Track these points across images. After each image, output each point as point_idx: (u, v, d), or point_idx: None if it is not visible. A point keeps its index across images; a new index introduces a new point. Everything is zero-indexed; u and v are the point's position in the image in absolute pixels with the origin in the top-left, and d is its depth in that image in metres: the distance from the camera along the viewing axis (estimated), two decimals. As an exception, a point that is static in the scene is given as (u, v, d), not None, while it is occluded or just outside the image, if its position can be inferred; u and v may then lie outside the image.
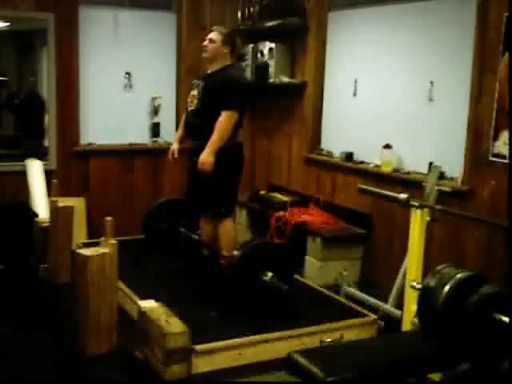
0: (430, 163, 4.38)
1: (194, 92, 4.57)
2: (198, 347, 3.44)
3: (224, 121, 4.35)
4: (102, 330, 3.68)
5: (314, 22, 5.60)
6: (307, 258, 5.03)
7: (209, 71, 4.59)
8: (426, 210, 3.66)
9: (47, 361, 3.66)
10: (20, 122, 6.96)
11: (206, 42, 4.56)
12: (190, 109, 4.60)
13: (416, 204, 3.65)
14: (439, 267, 2.48)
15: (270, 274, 3.99)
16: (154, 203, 5.41)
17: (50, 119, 5.88)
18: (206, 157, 4.35)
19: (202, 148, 4.39)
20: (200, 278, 4.65)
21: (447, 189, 4.12)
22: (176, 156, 4.81)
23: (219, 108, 4.36)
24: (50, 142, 5.90)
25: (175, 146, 4.83)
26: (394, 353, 2.77)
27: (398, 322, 3.84)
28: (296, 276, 4.74)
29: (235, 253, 4.10)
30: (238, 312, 3.98)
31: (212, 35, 4.54)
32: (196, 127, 4.54)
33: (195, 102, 4.54)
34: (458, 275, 2.42)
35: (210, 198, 4.57)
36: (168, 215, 5.22)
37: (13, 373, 3.50)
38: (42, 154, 5.94)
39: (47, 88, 5.89)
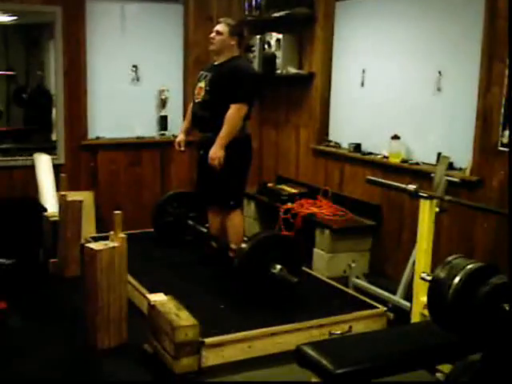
0: (439, 153, 4.35)
1: (202, 84, 4.56)
2: (208, 340, 3.45)
3: (233, 114, 4.34)
4: (111, 324, 3.69)
5: (321, 12, 5.57)
6: (315, 250, 5.02)
7: (216, 62, 4.58)
8: (434, 200, 3.64)
9: (58, 355, 3.68)
10: (28, 116, 6.97)
11: (213, 34, 4.54)
12: (197, 100, 4.59)
13: (425, 195, 3.64)
14: (449, 258, 2.47)
15: (278, 267, 3.98)
16: (163, 196, 5.42)
17: (57, 113, 5.89)
18: (216, 151, 4.34)
19: (210, 140, 4.38)
20: (209, 271, 4.66)
21: (456, 179, 4.10)
22: (182, 148, 4.81)
23: (227, 100, 4.35)
24: (58, 136, 5.90)
25: (181, 138, 4.83)
26: (404, 344, 2.77)
27: (407, 313, 3.83)
28: (304, 268, 4.74)
29: (243, 245, 4.10)
30: (248, 305, 3.99)
31: (219, 27, 4.53)
32: (203, 119, 4.53)
33: (202, 93, 4.52)
34: (468, 266, 2.41)
35: (218, 191, 4.57)
36: (176, 208, 5.22)
37: (24, 366, 3.52)
38: (50, 148, 5.95)
39: (55, 82, 5.89)
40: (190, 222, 5.11)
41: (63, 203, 4.87)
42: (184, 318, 3.42)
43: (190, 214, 5.18)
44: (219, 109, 4.35)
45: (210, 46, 4.60)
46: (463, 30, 4.31)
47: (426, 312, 3.38)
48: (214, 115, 4.38)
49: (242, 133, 4.48)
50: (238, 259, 4.08)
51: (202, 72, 4.68)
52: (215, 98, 4.44)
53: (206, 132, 4.49)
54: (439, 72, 4.50)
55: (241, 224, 4.71)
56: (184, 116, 6.26)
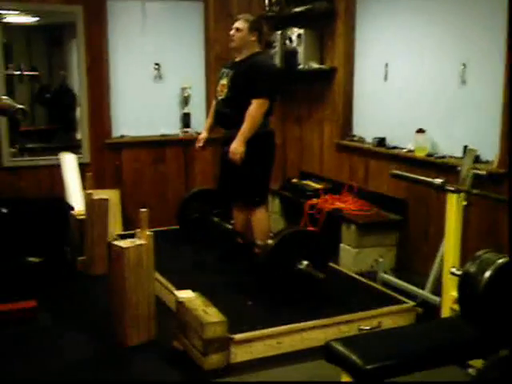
0: (465, 147, 4.31)
1: (224, 81, 4.56)
2: (236, 336, 3.46)
3: (255, 109, 4.34)
4: (140, 322, 3.72)
5: (342, 6, 5.54)
6: (342, 245, 5.01)
7: (237, 59, 4.58)
8: (462, 194, 3.61)
9: (87, 352, 3.72)
10: (52, 116, 7.03)
11: (232, 32, 4.54)
12: (219, 98, 4.60)
13: (452, 188, 3.61)
14: (479, 253, 2.46)
15: (305, 263, 3.98)
16: (187, 193, 5.44)
17: (81, 112, 5.93)
18: (237, 146, 4.35)
19: (233, 137, 4.39)
20: (235, 267, 4.66)
21: (483, 172, 4.05)
22: (202, 144, 4.82)
23: (249, 96, 4.35)
24: (82, 134, 5.95)
25: (204, 135, 4.84)
26: (434, 339, 2.75)
27: (436, 308, 3.81)
28: (331, 264, 4.74)
29: (269, 242, 4.10)
30: (275, 301, 3.99)
31: (238, 24, 4.53)
32: (227, 116, 4.53)
33: (225, 90, 4.53)
34: (499, 260, 2.40)
35: (242, 187, 4.57)
36: (201, 205, 5.24)
37: (53, 365, 3.56)
38: (75, 147, 6.00)
39: (78, 81, 5.94)
40: (215, 219, 5.13)
41: (89, 202, 4.91)
42: (212, 315, 3.43)
43: (214, 210, 5.20)
44: (242, 105, 4.36)
45: (230, 44, 4.60)
46: (487, 21, 4.26)
47: (455, 306, 3.37)
48: (237, 112, 4.38)
49: (265, 128, 4.48)
50: (263, 255, 4.08)
51: (223, 69, 4.69)
52: (237, 94, 4.44)
53: (230, 129, 4.49)
54: (463, 64, 4.45)
55: (266, 220, 4.71)
56: (207, 113, 6.30)
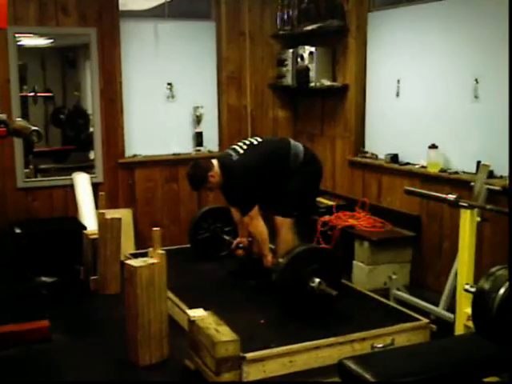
0: (478, 162, 4.29)
1: None
2: (249, 355, 3.43)
3: (250, 226, 4.48)
4: (152, 340, 3.71)
5: (353, 24, 5.56)
6: (355, 262, 4.97)
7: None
8: (475, 210, 3.58)
9: (99, 372, 3.71)
10: (66, 137, 7.09)
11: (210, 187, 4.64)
12: None
13: (465, 204, 3.58)
14: (493, 269, 2.43)
15: (317, 280, 3.95)
16: (198, 212, 5.44)
17: (95, 132, 5.97)
18: (266, 261, 4.51)
19: None
20: (247, 285, 4.64)
21: (497, 187, 4.03)
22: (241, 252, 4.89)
23: None
24: (95, 154, 5.98)
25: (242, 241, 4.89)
26: (449, 357, 2.72)
27: (450, 325, 3.77)
28: (345, 281, 4.70)
29: (280, 260, 4.08)
30: (288, 319, 3.96)
31: (206, 189, 4.73)
32: None
33: None
34: (513, 277, 2.36)
35: (285, 199, 4.57)
36: (212, 223, 5.24)
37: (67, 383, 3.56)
38: (88, 167, 6.04)
39: (91, 101, 5.98)
40: (226, 237, 5.13)
41: (102, 221, 4.93)
42: (224, 333, 3.41)
43: (225, 228, 5.20)
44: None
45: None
46: (499, 36, 4.25)
47: (470, 324, 3.32)
48: None
49: (298, 161, 4.51)
50: (275, 274, 4.06)
51: None
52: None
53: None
54: (476, 79, 4.44)
55: (291, 235, 4.66)
56: (219, 132, 6.35)
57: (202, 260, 5.21)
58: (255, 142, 4.61)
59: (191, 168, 4.59)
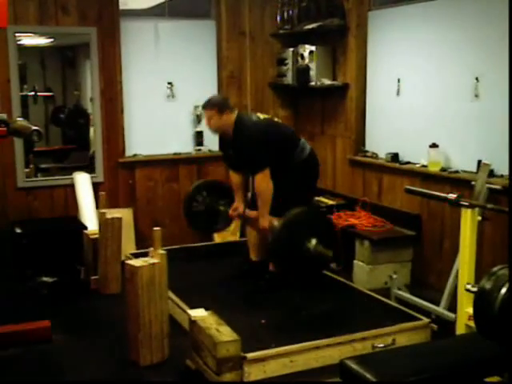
0: (479, 161, 4.29)
1: (230, 151, 4.65)
2: (250, 355, 3.43)
3: (258, 183, 4.41)
4: (153, 340, 3.71)
5: (353, 23, 5.56)
6: (356, 261, 4.97)
7: (227, 137, 4.58)
8: (476, 209, 3.58)
9: (100, 372, 3.71)
10: (66, 136, 7.07)
11: (206, 122, 4.60)
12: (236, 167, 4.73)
13: (466, 203, 3.57)
14: (494, 269, 2.42)
15: (314, 241, 3.95)
16: (192, 185, 5.37)
17: (95, 132, 5.97)
18: (263, 221, 4.39)
19: None
20: (248, 285, 4.64)
21: (498, 186, 4.02)
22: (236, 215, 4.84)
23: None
24: (96, 154, 5.98)
25: (239, 209, 4.80)
26: (450, 356, 2.72)
27: (451, 324, 3.77)
28: (345, 280, 4.71)
29: (275, 223, 4.09)
30: (289, 319, 3.96)
31: (207, 114, 4.55)
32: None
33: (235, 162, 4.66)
34: (514, 276, 2.36)
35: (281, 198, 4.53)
36: (207, 196, 5.18)
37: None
38: (89, 167, 6.04)
39: (92, 101, 5.98)
40: (222, 208, 5.11)
41: (103, 221, 4.93)
42: (225, 334, 3.40)
43: (220, 201, 5.14)
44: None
45: (210, 130, 4.67)
46: (499, 35, 4.24)
47: (471, 323, 3.32)
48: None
49: (302, 156, 4.53)
50: (271, 238, 4.05)
51: (223, 144, 4.74)
52: (247, 167, 4.58)
53: None
54: (476, 78, 4.44)
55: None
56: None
57: (199, 233, 5.23)
58: (276, 119, 4.81)
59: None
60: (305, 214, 4.21)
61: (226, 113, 4.47)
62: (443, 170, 4.68)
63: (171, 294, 4.20)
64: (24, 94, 6.09)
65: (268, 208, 4.40)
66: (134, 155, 6.11)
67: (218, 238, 6.09)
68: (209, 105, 4.54)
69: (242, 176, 4.76)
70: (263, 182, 4.39)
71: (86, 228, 5.23)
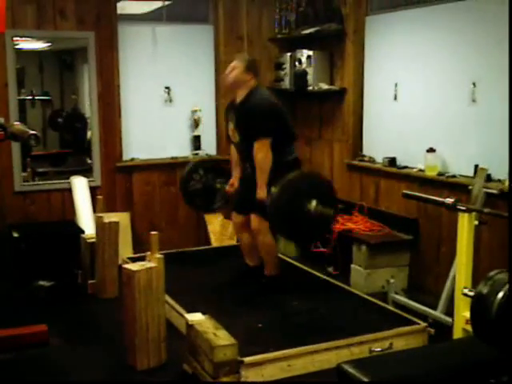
0: (476, 165, 4.29)
1: (231, 125, 4.62)
2: (247, 359, 3.43)
3: (257, 151, 4.38)
4: (150, 345, 3.70)
5: (351, 27, 5.57)
6: (353, 266, 4.98)
7: (238, 100, 4.56)
8: (473, 213, 3.58)
9: (97, 376, 3.70)
10: (64, 140, 7.07)
11: (228, 70, 4.55)
12: (234, 141, 4.67)
13: (463, 208, 3.59)
14: (491, 273, 2.43)
15: (314, 202, 3.96)
16: (189, 164, 5.39)
17: (93, 136, 5.97)
18: (261, 193, 4.37)
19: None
20: (245, 290, 4.64)
21: (495, 191, 4.03)
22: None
23: (254, 137, 4.41)
24: (93, 158, 5.98)
25: (235, 182, 4.85)
26: (447, 361, 2.72)
27: (448, 328, 3.77)
28: (342, 285, 4.71)
29: (273, 189, 4.11)
30: (286, 323, 3.96)
31: (234, 63, 4.54)
32: (246, 156, 4.57)
33: (236, 135, 4.59)
34: None
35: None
36: (204, 175, 5.21)
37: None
38: (86, 171, 6.03)
39: (89, 105, 5.98)
40: (219, 186, 5.12)
41: (100, 225, 4.92)
42: (222, 338, 3.40)
43: (217, 179, 5.17)
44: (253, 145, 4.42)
45: (224, 81, 4.63)
46: (496, 40, 4.26)
47: (468, 327, 3.33)
48: (252, 152, 4.43)
49: (290, 156, 4.53)
50: (271, 203, 4.07)
51: (228, 112, 4.71)
52: (245, 137, 4.49)
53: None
54: (473, 83, 4.45)
55: (271, 241, 4.65)
56: (217, 135, 6.34)
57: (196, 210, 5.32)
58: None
59: None
60: (302, 176, 4.21)
61: (250, 74, 4.47)
62: (440, 174, 4.69)
63: (168, 298, 4.20)
64: (22, 97, 6.10)
65: (266, 178, 4.36)
66: (132, 159, 6.10)
67: (215, 242, 6.09)
68: (241, 57, 4.59)
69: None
70: (261, 152, 4.37)
71: (83, 232, 5.22)
